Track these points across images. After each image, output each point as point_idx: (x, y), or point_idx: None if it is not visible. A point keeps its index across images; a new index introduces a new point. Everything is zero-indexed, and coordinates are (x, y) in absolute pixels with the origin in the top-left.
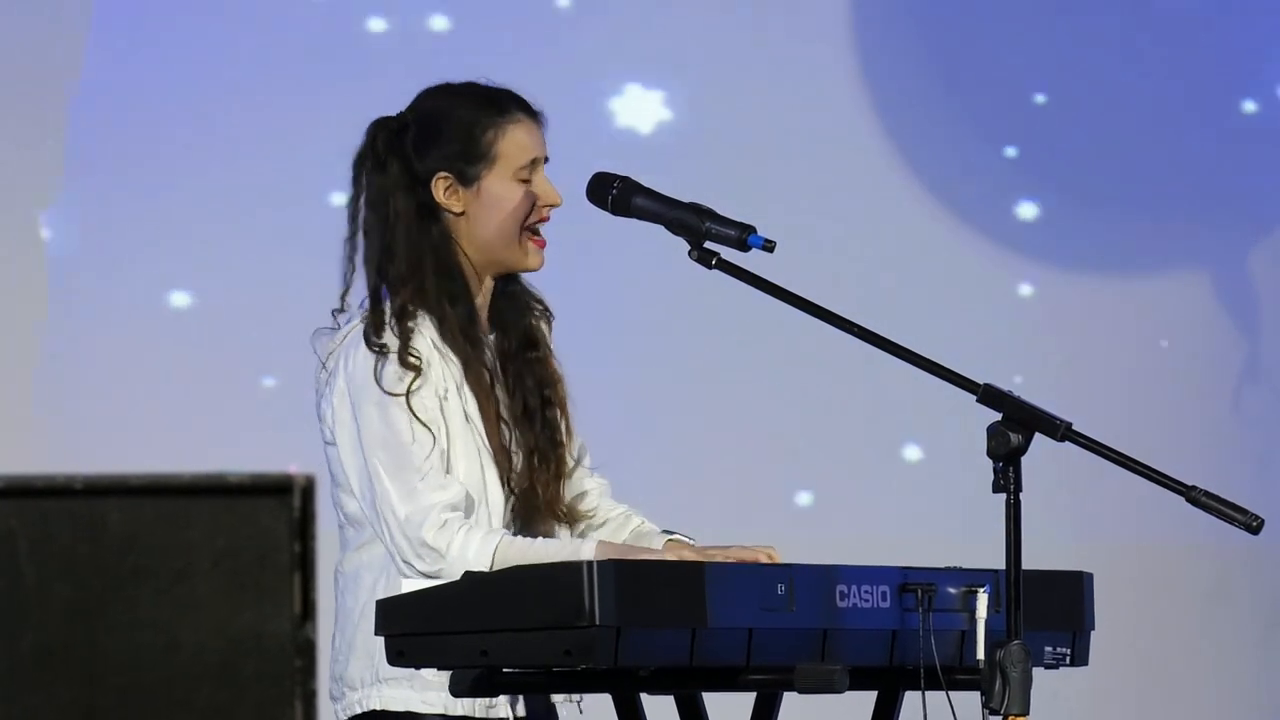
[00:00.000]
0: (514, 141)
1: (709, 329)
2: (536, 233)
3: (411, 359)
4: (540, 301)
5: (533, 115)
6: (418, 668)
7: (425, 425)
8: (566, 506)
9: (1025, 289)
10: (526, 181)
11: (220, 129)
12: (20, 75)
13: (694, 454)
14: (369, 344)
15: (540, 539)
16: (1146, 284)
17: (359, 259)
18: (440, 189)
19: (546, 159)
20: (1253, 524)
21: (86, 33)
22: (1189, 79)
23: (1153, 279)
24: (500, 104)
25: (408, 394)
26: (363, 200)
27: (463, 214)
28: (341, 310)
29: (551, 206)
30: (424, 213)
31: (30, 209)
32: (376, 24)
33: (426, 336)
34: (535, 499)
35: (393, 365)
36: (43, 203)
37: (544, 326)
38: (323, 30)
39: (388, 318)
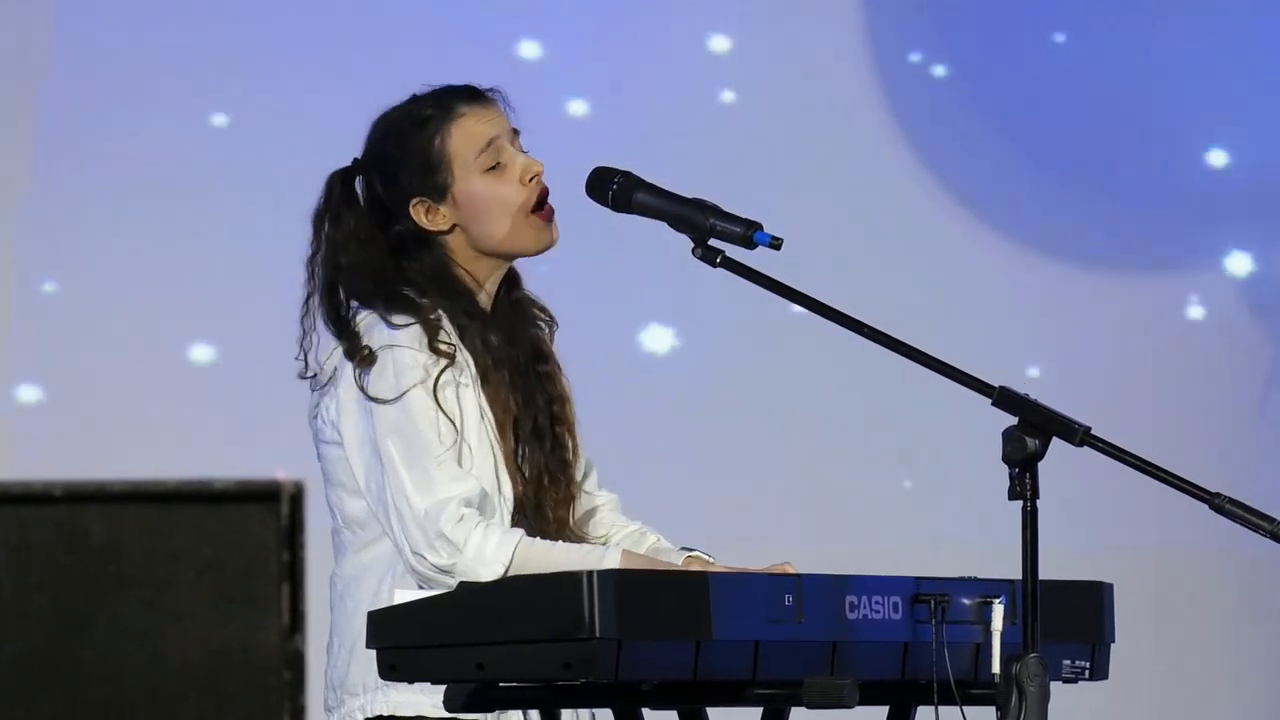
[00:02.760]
0: (462, 134)
1: (712, 329)
2: (540, 206)
3: (442, 345)
4: (544, 310)
5: (478, 98)
6: (410, 681)
7: (446, 414)
8: (574, 528)
9: (1042, 288)
10: (495, 166)
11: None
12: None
13: (697, 458)
14: (367, 343)
15: (561, 544)
16: (1167, 282)
17: (315, 311)
18: (420, 214)
19: (517, 131)
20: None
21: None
22: (1217, 76)
23: (1174, 277)
24: (439, 104)
25: (435, 383)
26: (320, 256)
27: (453, 229)
28: (306, 368)
29: (536, 176)
30: (414, 245)
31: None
32: None
33: (446, 326)
34: (544, 522)
35: (408, 355)
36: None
37: (548, 337)
38: None
39: (403, 314)
